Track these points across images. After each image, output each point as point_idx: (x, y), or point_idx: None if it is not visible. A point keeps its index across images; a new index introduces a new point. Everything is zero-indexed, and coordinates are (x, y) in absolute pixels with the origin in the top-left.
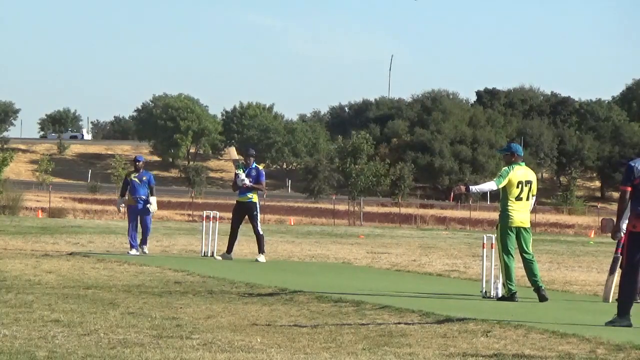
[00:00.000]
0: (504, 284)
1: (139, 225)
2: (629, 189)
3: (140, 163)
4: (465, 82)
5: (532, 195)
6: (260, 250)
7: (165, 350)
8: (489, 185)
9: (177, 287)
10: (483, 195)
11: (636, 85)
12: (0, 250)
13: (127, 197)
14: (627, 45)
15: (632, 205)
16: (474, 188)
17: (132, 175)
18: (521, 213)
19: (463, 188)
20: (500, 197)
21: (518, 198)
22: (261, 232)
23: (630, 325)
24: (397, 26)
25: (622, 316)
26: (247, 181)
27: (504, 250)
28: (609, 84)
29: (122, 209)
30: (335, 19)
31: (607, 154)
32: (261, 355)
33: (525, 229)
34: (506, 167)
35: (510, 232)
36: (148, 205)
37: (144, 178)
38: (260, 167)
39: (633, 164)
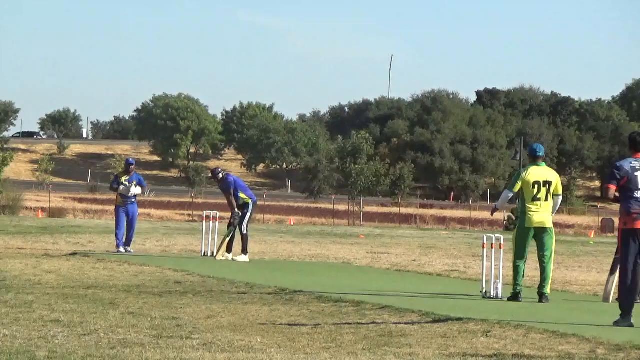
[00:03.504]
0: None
1: (125, 225)
2: (613, 187)
3: (133, 167)
4: (465, 82)
5: (555, 195)
6: (244, 250)
7: (165, 350)
8: (505, 194)
9: (177, 287)
10: (483, 195)
11: (636, 85)
12: (0, 250)
13: (117, 199)
14: (627, 45)
15: (623, 204)
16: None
17: (124, 178)
18: (539, 214)
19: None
20: (519, 199)
21: (535, 199)
22: (244, 232)
23: (631, 325)
24: (397, 26)
25: (624, 316)
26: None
27: (517, 253)
28: (609, 84)
29: (126, 188)
30: (335, 19)
31: (607, 154)
32: (261, 355)
33: (544, 229)
34: (518, 171)
35: (527, 234)
36: (132, 188)
37: (135, 182)
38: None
39: (619, 164)
